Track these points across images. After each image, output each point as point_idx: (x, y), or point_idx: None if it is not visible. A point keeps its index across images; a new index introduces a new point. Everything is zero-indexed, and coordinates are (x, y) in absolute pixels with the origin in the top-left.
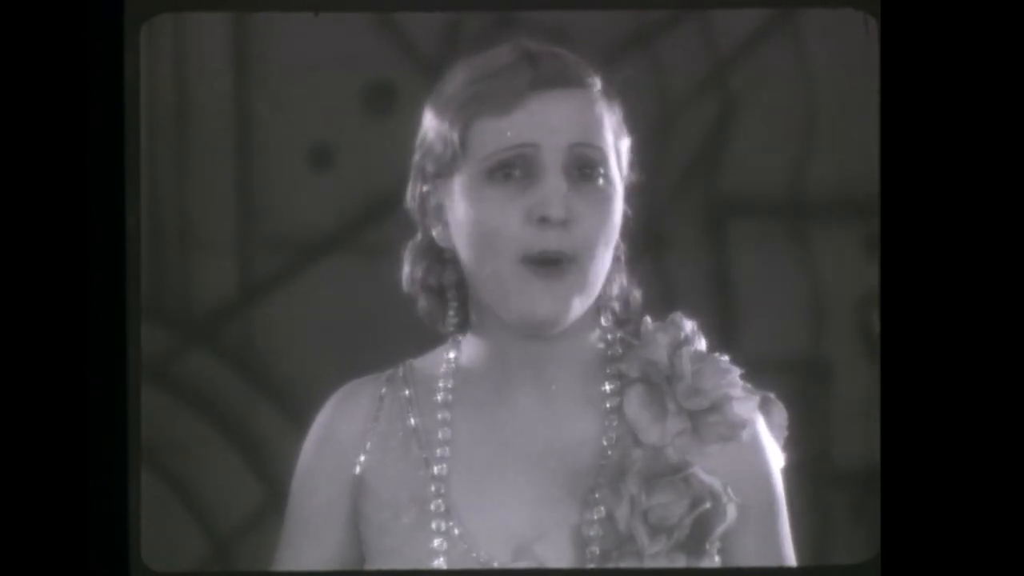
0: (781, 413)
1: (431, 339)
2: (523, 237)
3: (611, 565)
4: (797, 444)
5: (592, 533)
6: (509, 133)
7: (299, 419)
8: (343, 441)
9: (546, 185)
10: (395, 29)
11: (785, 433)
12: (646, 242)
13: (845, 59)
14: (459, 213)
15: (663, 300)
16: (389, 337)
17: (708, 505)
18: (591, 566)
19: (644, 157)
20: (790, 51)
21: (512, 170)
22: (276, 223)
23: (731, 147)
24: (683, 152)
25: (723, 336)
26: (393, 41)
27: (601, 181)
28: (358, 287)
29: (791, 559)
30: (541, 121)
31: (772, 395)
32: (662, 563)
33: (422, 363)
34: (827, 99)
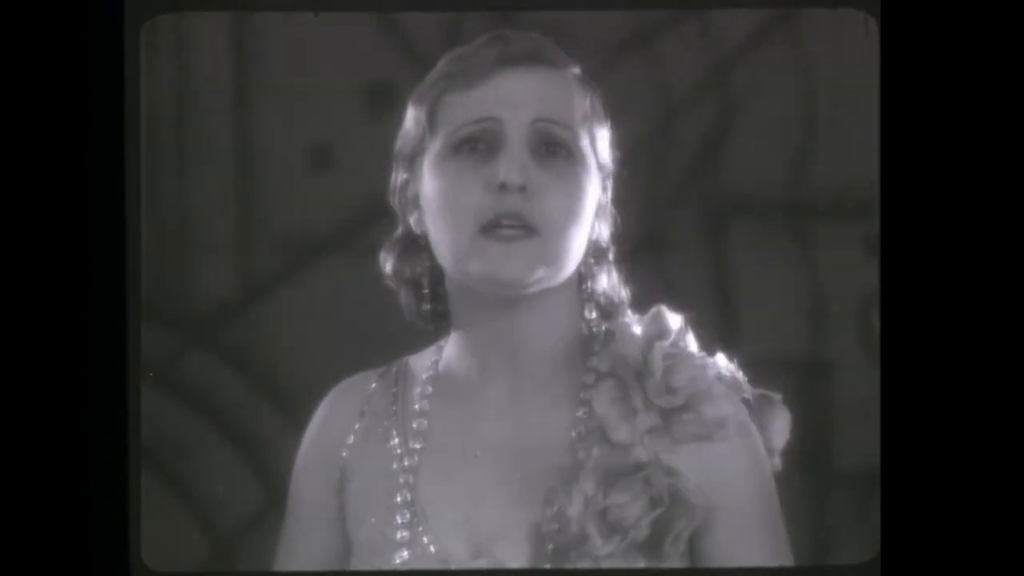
0: (784, 416)
1: (430, 338)
2: (482, 205)
3: (568, 566)
4: (797, 444)
5: (549, 532)
6: (473, 107)
7: (299, 419)
8: (333, 435)
9: (507, 155)
10: (395, 29)
11: (787, 436)
12: (646, 242)
13: (845, 59)
14: (426, 189)
15: (663, 300)
16: (389, 337)
17: (666, 507)
18: (547, 565)
19: (644, 157)
20: (790, 51)
21: (477, 143)
22: (276, 223)
23: (731, 147)
24: (683, 152)
25: (723, 336)
26: (393, 41)
27: (566, 158)
28: (358, 287)
29: (780, 561)
30: (505, 95)
31: (778, 396)
32: (619, 562)
33: (415, 360)
34: (827, 99)
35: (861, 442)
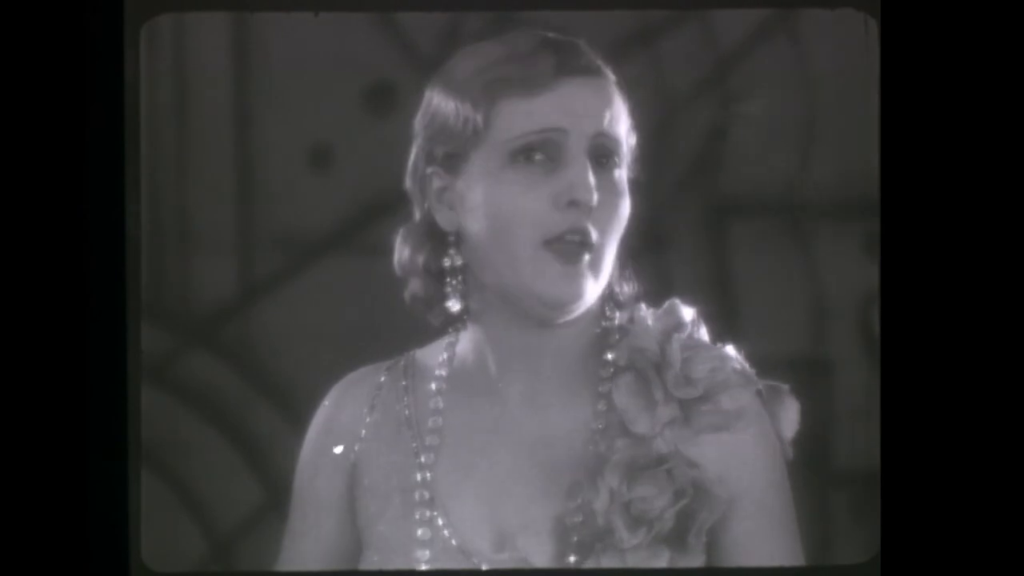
0: (793, 405)
1: (432, 337)
2: (549, 221)
3: (592, 557)
4: (797, 444)
5: (573, 524)
6: (537, 116)
7: (299, 419)
8: (341, 429)
9: (574, 170)
10: (395, 29)
11: (796, 426)
12: (647, 242)
13: (845, 59)
14: (476, 196)
15: (663, 299)
16: (389, 337)
17: (690, 499)
18: (572, 558)
19: (645, 157)
20: (790, 51)
21: (535, 154)
22: (276, 223)
23: (731, 147)
24: (683, 152)
25: (723, 336)
26: (393, 41)
27: (617, 171)
28: (358, 287)
29: (794, 554)
30: (569, 106)
31: (786, 387)
32: (643, 556)
33: (423, 354)
34: (827, 99)
35: (861, 442)
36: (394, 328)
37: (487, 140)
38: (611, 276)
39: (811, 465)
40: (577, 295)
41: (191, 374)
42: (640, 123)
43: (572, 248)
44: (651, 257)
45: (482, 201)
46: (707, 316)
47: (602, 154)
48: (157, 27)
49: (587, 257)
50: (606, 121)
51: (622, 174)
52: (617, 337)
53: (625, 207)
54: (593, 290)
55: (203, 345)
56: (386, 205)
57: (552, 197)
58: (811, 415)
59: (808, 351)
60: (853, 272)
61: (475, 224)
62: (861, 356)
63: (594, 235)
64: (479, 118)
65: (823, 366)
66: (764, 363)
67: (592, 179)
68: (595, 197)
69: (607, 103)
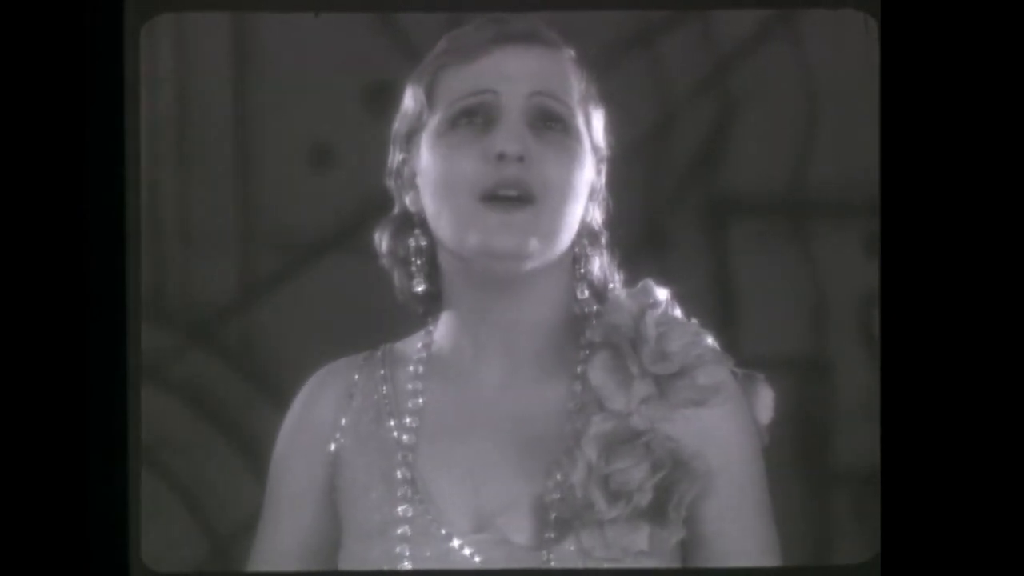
0: (767, 393)
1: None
2: (481, 174)
3: (572, 534)
4: (797, 443)
5: (552, 501)
6: (471, 80)
7: None
8: (320, 420)
9: (505, 125)
10: (395, 29)
11: (771, 414)
12: (647, 241)
13: (845, 59)
14: (424, 164)
15: None
16: (389, 337)
17: (668, 470)
18: (551, 535)
19: (645, 157)
20: (790, 51)
21: (474, 117)
22: (276, 223)
23: (731, 147)
24: (683, 152)
25: (723, 336)
26: (393, 41)
27: (563, 132)
28: (358, 287)
29: (768, 534)
30: (502, 69)
31: (762, 375)
32: (623, 529)
33: (401, 345)
34: (827, 99)
35: (861, 442)
36: (394, 328)
37: (432, 112)
38: (593, 268)
39: (812, 465)
40: (518, 246)
41: (191, 374)
42: (639, 122)
43: (509, 202)
44: (650, 257)
45: (427, 167)
46: (706, 316)
47: (543, 115)
48: (157, 27)
49: (527, 210)
50: (545, 82)
51: (571, 137)
52: (593, 322)
53: (574, 167)
54: (540, 244)
55: (203, 345)
56: (386, 205)
57: (483, 152)
58: (811, 415)
59: (808, 351)
60: (853, 272)
61: (425, 191)
62: (861, 356)
63: (531, 190)
64: (422, 92)
65: (823, 366)
66: (764, 363)
67: (523, 134)
68: (523, 148)
69: (548, 67)
